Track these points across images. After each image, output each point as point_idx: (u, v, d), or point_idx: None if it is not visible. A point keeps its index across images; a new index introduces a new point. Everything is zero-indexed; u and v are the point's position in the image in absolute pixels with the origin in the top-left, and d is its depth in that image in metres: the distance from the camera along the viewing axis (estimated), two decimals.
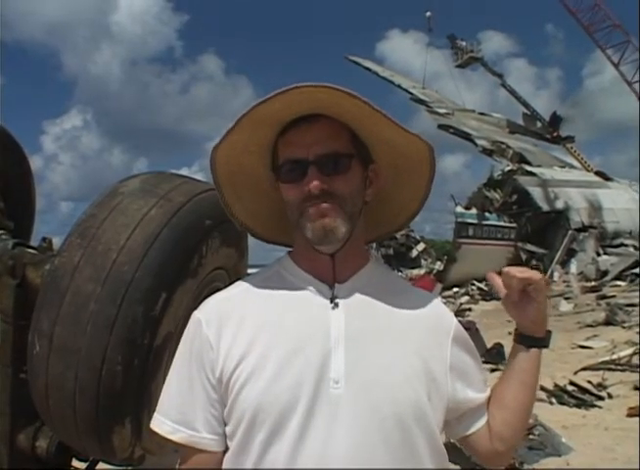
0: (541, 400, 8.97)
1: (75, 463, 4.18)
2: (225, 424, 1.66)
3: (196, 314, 1.76)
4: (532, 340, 1.90)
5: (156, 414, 1.75)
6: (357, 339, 1.61)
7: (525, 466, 6.29)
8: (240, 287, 1.79)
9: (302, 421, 1.54)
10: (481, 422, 1.80)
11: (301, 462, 1.52)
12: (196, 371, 1.68)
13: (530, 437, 6.91)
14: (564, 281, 32.48)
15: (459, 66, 59.25)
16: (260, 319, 1.66)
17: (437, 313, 1.77)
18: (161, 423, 1.72)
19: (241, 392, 1.59)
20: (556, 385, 9.49)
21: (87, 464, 4.28)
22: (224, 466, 1.66)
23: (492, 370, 11.47)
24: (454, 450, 6.62)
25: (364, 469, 1.52)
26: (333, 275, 1.67)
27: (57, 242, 3.75)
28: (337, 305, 1.65)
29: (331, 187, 1.60)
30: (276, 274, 1.76)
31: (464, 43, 58.22)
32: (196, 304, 3.11)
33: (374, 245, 54.72)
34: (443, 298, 29.21)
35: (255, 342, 1.61)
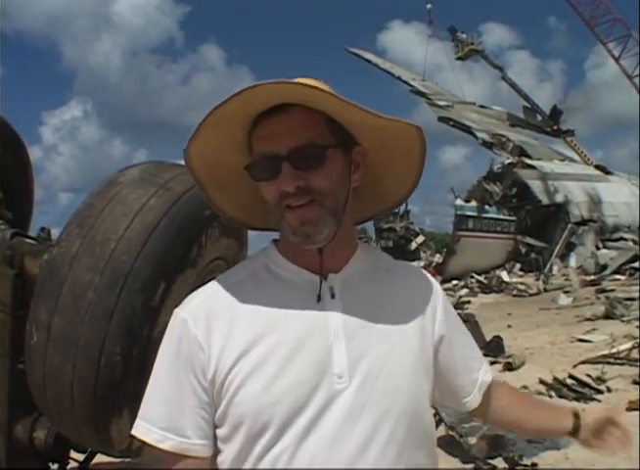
0: (540, 394, 8.95)
1: (74, 455, 4.18)
2: (216, 427, 1.55)
3: (180, 313, 1.58)
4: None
5: (140, 421, 1.57)
6: (357, 330, 1.53)
7: (524, 459, 6.28)
8: (225, 282, 1.63)
9: (309, 420, 1.47)
10: (469, 398, 1.84)
11: (306, 461, 1.45)
12: (184, 373, 1.54)
13: None
14: (563, 275, 32.42)
15: (459, 58, 59.14)
16: (254, 317, 1.54)
17: (427, 287, 1.75)
18: (148, 431, 1.55)
19: (237, 393, 1.49)
20: (555, 378, 9.47)
21: (85, 456, 4.28)
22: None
23: (492, 363, 11.48)
24: (453, 443, 6.64)
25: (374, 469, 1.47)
26: (320, 267, 1.56)
27: (56, 233, 3.74)
28: (333, 296, 1.56)
29: (308, 183, 1.48)
30: (263, 267, 1.64)
31: (464, 35, 58.11)
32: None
33: (373, 237, 54.85)
34: (443, 290, 29.27)
35: (251, 341, 1.51)
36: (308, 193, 1.48)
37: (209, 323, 1.54)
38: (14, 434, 3.75)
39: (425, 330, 1.64)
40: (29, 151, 4.89)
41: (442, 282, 31.38)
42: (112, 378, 2.91)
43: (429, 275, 1.80)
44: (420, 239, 55.05)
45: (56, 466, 4.15)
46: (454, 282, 32.99)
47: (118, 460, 5.95)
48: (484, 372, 1.86)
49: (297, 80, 1.49)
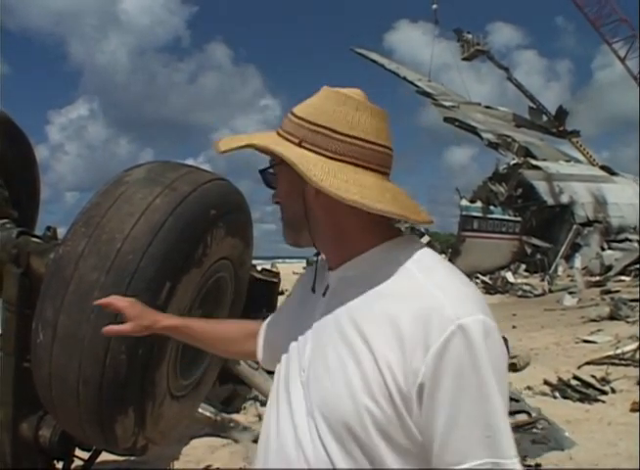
0: (545, 395, 8.96)
1: (78, 453, 4.20)
2: None
3: None
4: None
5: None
6: (324, 329, 1.58)
7: (528, 460, 6.28)
8: None
9: (275, 406, 1.64)
10: None
11: (263, 432, 1.66)
12: None
13: (534, 431, 6.91)
14: (568, 276, 32.44)
15: (465, 58, 59.10)
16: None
17: (423, 322, 1.38)
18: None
19: None
20: (560, 379, 9.47)
21: (90, 454, 4.29)
22: None
23: None
24: None
25: None
26: (315, 268, 1.73)
27: (62, 232, 3.75)
28: (325, 292, 1.64)
29: (276, 198, 1.68)
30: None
31: (470, 36, 58.09)
32: (200, 293, 3.13)
33: None
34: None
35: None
36: (279, 204, 1.68)
37: None
38: (19, 432, 3.77)
39: (390, 366, 1.40)
40: (35, 150, 4.91)
41: None
42: (117, 377, 2.91)
43: (447, 318, 1.38)
44: (425, 239, 55.10)
45: (60, 464, 4.17)
46: None
47: (123, 459, 6.00)
48: None
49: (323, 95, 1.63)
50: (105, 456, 4.47)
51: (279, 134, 1.60)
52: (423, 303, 1.41)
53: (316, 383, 1.53)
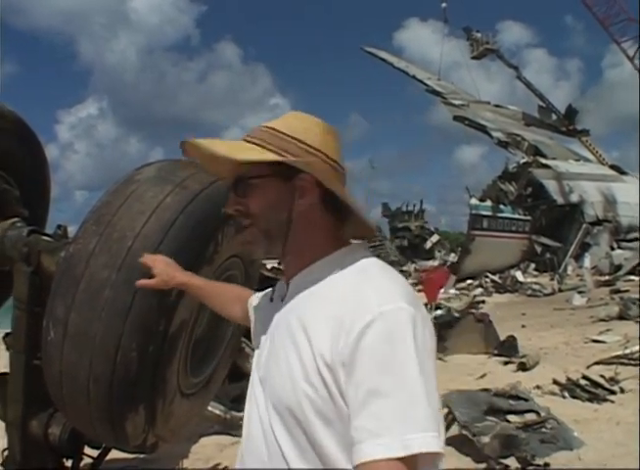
0: (554, 394, 8.93)
1: (88, 451, 4.21)
2: None
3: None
4: None
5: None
6: (278, 331, 1.76)
7: (537, 459, 6.27)
8: None
9: (248, 403, 1.82)
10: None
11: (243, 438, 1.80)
12: None
13: (543, 430, 6.90)
14: (577, 275, 32.29)
15: (474, 57, 58.98)
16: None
17: (353, 311, 1.53)
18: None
19: None
20: (568, 379, 9.43)
21: (99, 452, 4.31)
22: None
23: (505, 363, 11.46)
24: (466, 443, 6.63)
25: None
26: (286, 277, 1.86)
27: (72, 230, 3.76)
28: (282, 299, 1.83)
29: (245, 207, 1.75)
30: None
31: (479, 35, 57.98)
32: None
33: (388, 236, 54.83)
34: (457, 290, 29.17)
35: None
36: (247, 216, 1.76)
37: None
38: (29, 429, 3.78)
39: (322, 354, 1.55)
40: (45, 149, 4.92)
41: (457, 281, 31.35)
42: (127, 374, 2.92)
43: (367, 309, 1.52)
44: (435, 238, 55.09)
45: (70, 462, 4.19)
46: (469, 281, 32.93)
47: (132, 456, 6.02)
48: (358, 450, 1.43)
49: (284, 117, 1.83)
50: (114, 454, 4.48)
51: (274, 151, 1.72)
52: (354, 300, 1.56)
53: (270, 379, 1.71)
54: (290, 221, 1.73)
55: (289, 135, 1.74)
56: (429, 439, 1.39)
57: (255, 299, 2.18)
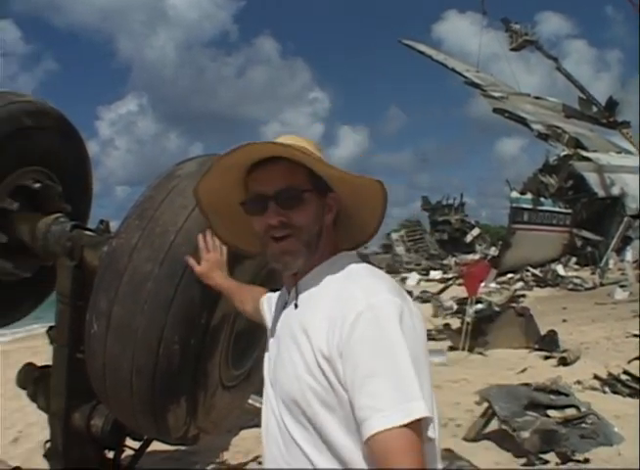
0: (594, 389, 8.85)
1: (129, 442, 4.26)
2: None
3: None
4: None
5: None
6: (281, 337, 1.94)
7: (577, 455, 6.22)
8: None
9: (264, 401, 1.97)
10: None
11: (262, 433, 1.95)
12: None
13: (583, 425, 6.84)
14: (619, 269, 31.97)
15: (513, 49, 58.41)
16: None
17: (344, 306, 1.70)
18: None
19: None
20: (609, 374, 9.33)
21: (141, 443, 4.36)
22: None
23: (546, 358, 11.37)
24: (506, 438, 6.60)
25: None
26: (296, 288, 1.95)
27: (114, 226, 3.81)
28: (286, 304, 2.00)
29: (289, 219, 1.84)
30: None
31: (518, 26, 57.38)
32: (257, 280, 3.15)
33: (428, 230, 54.66)
34: (498, 284, 28.96)
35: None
36: (288, 227, 1.85)
37: None
38: (71, 421, 3.84)
39: (321, 348, 1.71)
40: (87, 145, 4.97)
41: (498, 275, 31.12)
42: (170, 366, 2.96)
43: (359, 300, 1.69)
44: (475, 232, 54.75)
45: (111, 454, 4.24)
46: (509, 275, 32.71)
47: (173, 449, 6.08)
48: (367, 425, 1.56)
49: (285, 138, 1.94)
50: (155, 446, 4.53)
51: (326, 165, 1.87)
52: (344, 299, 1.73)
53: (278, 380, 1.87)
54: (321, 234, 1.91)
55: (317, 155, 1.92)
56: (422, 406, 1.55)
57: (268, 300, 2.33)
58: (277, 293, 2.21)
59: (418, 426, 1.54)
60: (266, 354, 2.05)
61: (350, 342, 1.63)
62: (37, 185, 4.25)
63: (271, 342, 2.04)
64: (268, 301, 2.32)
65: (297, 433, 1.76)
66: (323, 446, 1.70)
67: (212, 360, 3.22)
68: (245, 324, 3.36)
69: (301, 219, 1.86)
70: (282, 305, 2.03)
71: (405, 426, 1.51)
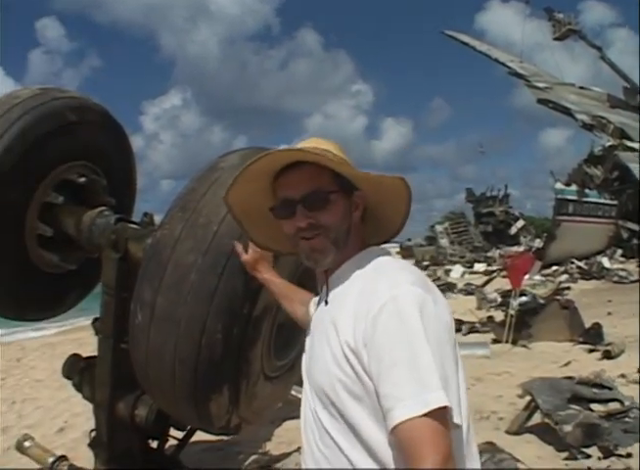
0: (638, 383, 8.75)
1: (173, 432, 4.32)
2: None
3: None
4: None
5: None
6: (315, 331, 2.05)
7: (620, 449, 6.14)
8: None
9: (303, 392, 2.05)
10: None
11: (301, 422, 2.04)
12: None
13: (626, 420, 6.74)
14: None
15: (557, 38, 57.63)
16: None
17: (368, 299, 1.79)
18: None
19: None
20: None
21: (184, 433, 4.41)
22: None
23: (590, 351, 11.25)
24: (548, 431, 6.55)
25: None
26: (327, 284, 2.04)
27: (157, 219, 3.85)
28: (319, 302, 2.11)
29: (317, 220, 1.93)
30: None
31: (561, 15, 56.58)
32: (295, 275, 3.17)
33: (472, 222, 54.32)
34: (542, 276, 28.67)
35: None
36: (317, 228, 1.94)
37: None
38: (115, 411, 3.91)
39: (347, 340, 1.78)
40: (131, 140, 5.03)
41: (542, 268, 30.81)
42: (212, 356, 3.00)
43: (385, 292, 1.76)
44: (520, 223, 54.19)
45: (155, 443, 4.31)
46: (554, 268, 32.32)
47: (216, 439, 6.14)
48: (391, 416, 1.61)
49: (309, 142, 2.05)
50: (198, 436, 4.59)
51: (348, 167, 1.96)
52: (370, 292, 1.80)
53: (311, 375, 1.97)
54: (349, 232, 1.99)
55: (343, 158, 2.02)
56: (441, 395, 1.59)
57: (312, 303, 2.37)
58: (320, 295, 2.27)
59: (440, 414, 1.58)
60: (304, 354, 2.13)
61: (374, 333, 1.70)
62: (82, 179, 4.33)
63: (307, 339, 2.13)
64: (313, 304, 2.35)
65: (328, 423, 1.84)
66: (351, 435, 1.77)
67: (254, 350, 3.26)
68: (287, 316, 3.39)
69: (329, 219, 1.94)
70: (318, 303, 2.13)
71: (426, 415, 1.56)
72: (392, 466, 1.68)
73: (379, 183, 2.00)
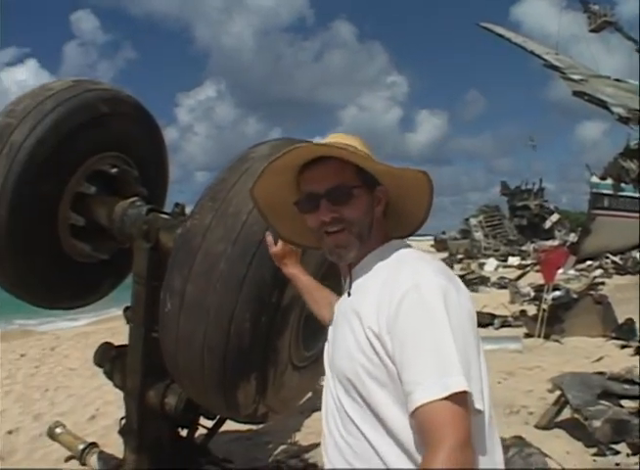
0: None
1: (203, 422, 4.36)
2: None
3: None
4: None
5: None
6: (338, 321, 2.07)
7: None
8: None
9: (325, 380, 2.08)
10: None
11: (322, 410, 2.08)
12: None
13: None
14: None
15: (592, 30, 56.93)
16: None
17: (391, 288, 1.82)
18: None
19: None
20: None
21: (214, 422, 4.45)
22: None
23: (623, 347, 11.16)
24: (578, 427, 6.51)
25: None
26: (350, 278, 2.08)
27: (190, 210, 3.89)
28: (344, 292, 2.12)
29: (340, 214, 1.97)
30: None
31: (597, 7, 55.90)
32: (323, 266, 3.18)
33: (506, 215, 53.95)
34: (576, 271, 28.44)
35: None
36: (340, 222, 1.98)
37: None
38: (146, 399, 3.95)
39: (372, 328, 1.82)
40: (165, 132, 5.07)
41: (576, 262, 30.55)
42: (240, 344, 3.02)
43: (408, 284, 1.79)
44: (554, 217, 53.77)
45: (185, 432, 4.35)
46: (588, 262, 32.05)
47: (245, 428, 6.18)
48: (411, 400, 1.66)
49: (333, 137, 2.10)
50: (228, 426, 4.62)
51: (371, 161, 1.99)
52: (393, 281, 1.83)
53: (334, 362, 2.00)
54: (372, 226, 2.03)
55: (365, 152, 2.04)
56: (461, 380, 1.62)
57: (336, 303, 2.37)
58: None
59: (461, 399, 1.61)
60: (326, 343, 2.16)
61: (397, 319, 1.74)
62: (114, 170, 4.37)
63: (330, 329, 2.16)
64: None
65: (352, 409, 1.86)
66: (375, 422, 1.80)
67: (282, 339, 3.28)
68: None
69: (353, 214, 1.98)
70: (341, 295, 2.16)
71: (447, 399, 1.60)
72: (417, 452, 1.70)
73: (400, 177, 2.02)
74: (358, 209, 1.98)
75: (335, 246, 2.00)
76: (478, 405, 1.66)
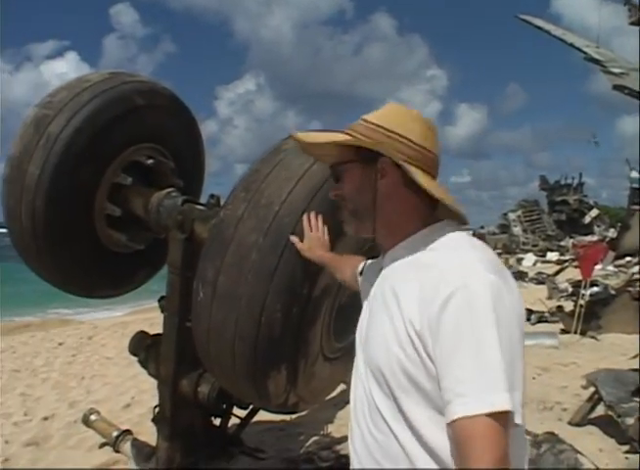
0: None
1: (236, 411, 4.39)
2: None
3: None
4: None
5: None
6: (373, 301, 1.99)
7: None
8: None
9: (355, 365, 2.02)
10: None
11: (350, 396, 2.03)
12: None
13: None
14: None
15: (633, 23, 56.01)
16: None
17: (433, 286, 1.68)
18: None
19: None
20: None
21: (247, 412, 4.49)
22: None
23: None
24: (611, 424, 6.46)
25: None
26: (386, 250, 2.02)
27: None
28: (380, 270, 2.03)
29: (340, 191, 2.02)
30: None
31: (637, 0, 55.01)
32: (359, 253, 3.20)
33: (545, 210, 53.46)
34: (615, 267, 28.12)
35: None
36: (341, 198, 2.02)
37: None
38: (179, 387, 4.00)
39: (412, 321, 1.71)
40: (205, 125, 5.11)
41: (616, 258, 30.19)
42: (271, 334, 3.04)
43: (450, 284, 1.65)
44: (594, 213, 53.23)
45: (218, 421, 4.39)
46: (627, 259, 31.63)
47: (279, 419, 6.21)
48: (450, 409, 1.58)
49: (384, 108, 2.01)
50: (261, 416, 4.65)
51: (350, 134, 1.95)
52: (439, 269, 1.72)
53: (367, 344, 1.92)
54: (375, 201, 1.94)
55: (371, 122, 1.95)
56: (506, 398, 1.54)
57: (365, 266, 2.34)
58: (375, 260, 2.25)
59: (502, 416, 1.53)
60: (360, 319, 2.09)
61: (441, 320, 1.62)
62: (150, 161, 4.42)
63: (365, 304, 2.10)
64: (365, 267, 2.33)
65: (384, 405, 1.79)
66: (408, 422, 1.72)
67: (313, 330, 3.30)
68: (348, 298, 3.41)
69: (346, 190, 2.00)
70: (378, 270, 2.05)
71: (488, 415, 1.52)
72: (450, 460, 1.63)
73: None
74: (350, 184, 1.99)
75: (340, 222, 2.06)
76: (517, 420, 1.57)
